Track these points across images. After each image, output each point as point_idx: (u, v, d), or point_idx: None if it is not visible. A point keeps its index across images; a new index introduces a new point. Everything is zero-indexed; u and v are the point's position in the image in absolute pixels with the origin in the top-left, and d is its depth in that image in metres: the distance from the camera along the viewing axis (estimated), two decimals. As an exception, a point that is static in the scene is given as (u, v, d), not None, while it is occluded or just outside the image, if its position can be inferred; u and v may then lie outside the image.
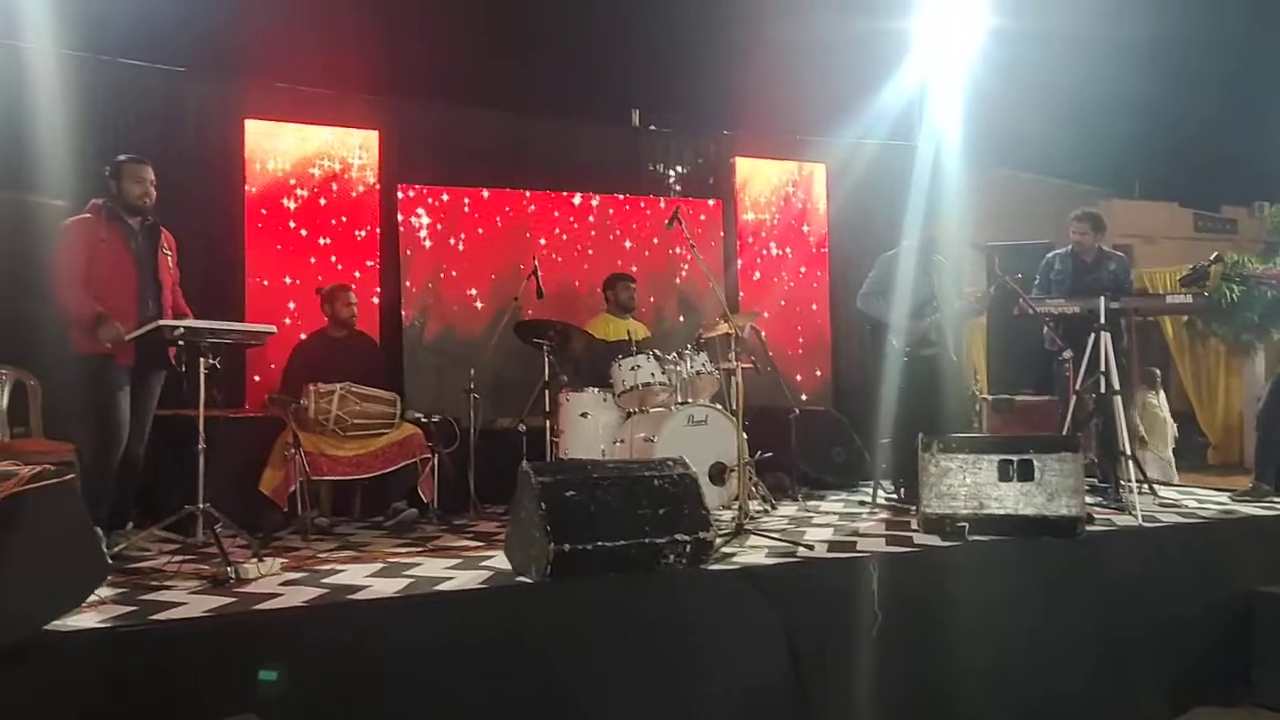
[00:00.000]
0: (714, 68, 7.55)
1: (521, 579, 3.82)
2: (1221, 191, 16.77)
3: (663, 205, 7.41)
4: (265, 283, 6.38)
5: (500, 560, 4.12)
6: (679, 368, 5.73)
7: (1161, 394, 9.46)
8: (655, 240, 7.43)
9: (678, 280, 7.56)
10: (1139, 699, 4.63)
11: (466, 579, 3.89)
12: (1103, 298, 5.46)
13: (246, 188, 6.43)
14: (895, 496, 5.90)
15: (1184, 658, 4.76)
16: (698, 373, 5.79)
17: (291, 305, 6.37)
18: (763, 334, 6.54)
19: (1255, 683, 4.79)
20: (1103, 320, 5.43)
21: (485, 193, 7.20)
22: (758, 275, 7.97)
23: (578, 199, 7.48)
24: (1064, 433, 5.54)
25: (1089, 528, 4.75)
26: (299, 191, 6.60)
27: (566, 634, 3.61)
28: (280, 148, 6.58)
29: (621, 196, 7.59)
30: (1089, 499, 5.20)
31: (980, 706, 4.25)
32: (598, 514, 3.79)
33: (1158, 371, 9.61)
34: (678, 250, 7.45)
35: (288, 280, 6.43)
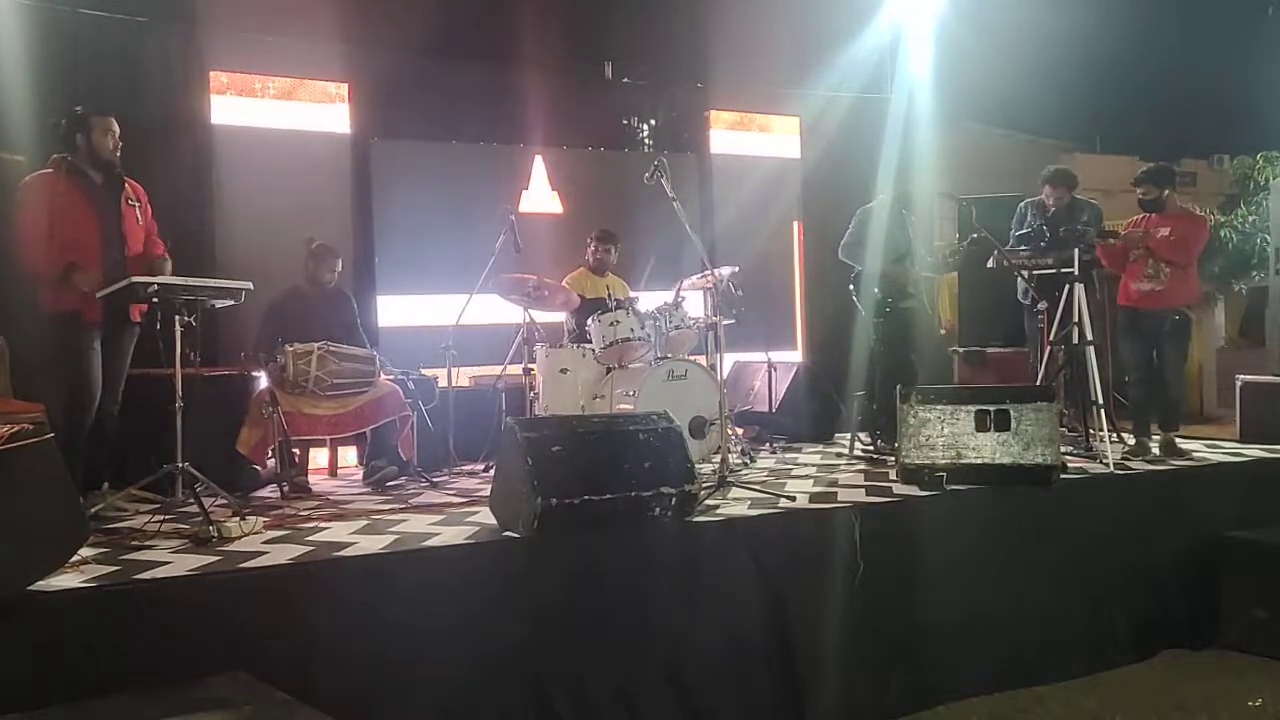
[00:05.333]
0: (687, 20, 7.48)
1: (508, 534, 3.82)
2: (1181, 145, 16.97)
3: (643, 169, 7.31)
4: (233, 239, 6.25)
5: (485, 516, 4.11)
6: (658, 322, 5.72)
7: None
8: (631, 193, 7.36)
9: (653, 235, 7.49)
10: (1109, 642, 4.75)
11: (453, 534, 3.87)
12: (1076, 250, 5.52)
13: (213, 141, 6.27)
14: (871, 447, 5.96)
15: (1153, 602, 4.90)
16: (676, 327, 5.79)
17: (262, 261, 6.24)
18: (737, 290, 6.51)
19: (1222, 626, 4.92)
20: (1076, 272, 5.49)
21: (458, 145, 7.09)
22: (731, 229, 7.93)
23: (550, 152, 7.40)
24: (1038, 383, 5.61)
25: (1062, 476, 4.83)
26: (268, 145, 6.45)
27: (555, 588, 3.64)
28: (247, 101, 6.42)
29: (594, 149, 7.52)
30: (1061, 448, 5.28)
31: (955, 651, 4.35)
32: (584, 468, 3.79)
33: None
34: (654, 203, 7.38)
35: (258, 236, 6.29)
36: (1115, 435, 5.79)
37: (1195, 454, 5.80)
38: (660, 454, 3.98)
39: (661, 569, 3.84)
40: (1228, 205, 14.11)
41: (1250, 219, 12.98)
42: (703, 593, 3.87)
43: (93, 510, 4.09)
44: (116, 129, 4.50)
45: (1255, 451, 5.88)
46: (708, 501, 4.30)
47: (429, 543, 3.74)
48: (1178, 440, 5.82)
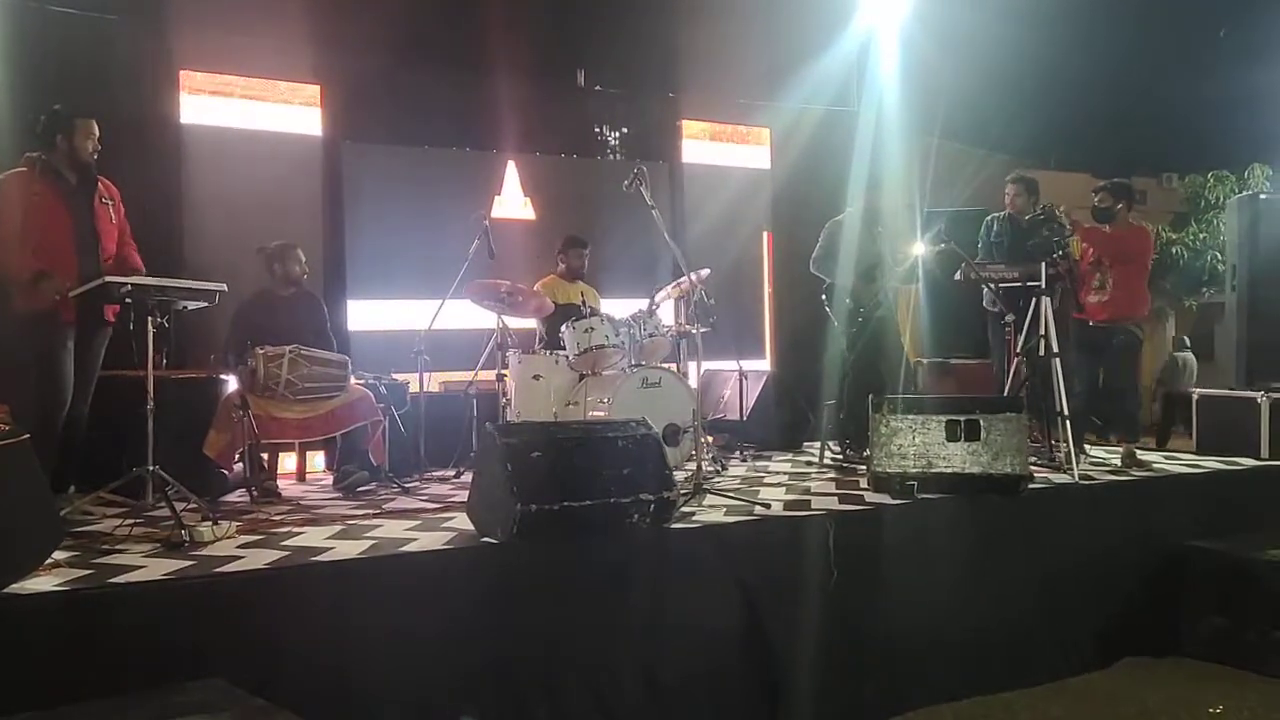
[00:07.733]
0: (660, 30, 7.52)
1: (487, 540, 3.80)
2: (1132, 163, 17.39)
3: (615, 176, 7.34)
4: (202, 240, 6.17)
5: (461, 521, 4.10)
6: (632, 330, 5.74)
7: None
8: (603, 200, 7.37)
9: (625, 242, 7.50)
10: (1074, 650, 4.84)
11: (430, 540, 3.85)
12: (1043, 263, 5.62)
13: (183, 141, 6.19)
14: (841, 456, 6.01)
15: (1116, 610, 4.98)
16: (650, 335, 5.81)
17: (231, 263, 6.16)
18: (710, 298, 6.55)
19: (1184, 634, 5.02)
20: (1043, 284, 5.59)
21: (431, 150, 7.08)
22: (702, 238, 7.97)
23: (523, 158, 7.39)
24: (1004, 394, 5.71)
25: (1029, 486, 4.91)
26: (238, 146, 6.38)
27: (534, 593, 3.63)
28: (218, 101, 6.35)
29: (566, 156, 7.53)
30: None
31: (925, 658, 4.40)
32: (563, 475, 3.79)
33: None
34: (626, 211, 7.39)
35: (227, 237, 6.21)
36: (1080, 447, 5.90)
37: (1155, 465, 5.93)
38: (639, 461, 4.00)
39: (639, 575, 3.84)
40: (1178, 223, 14.48)
41: (1201, 236, 13.31)
42: (680, 599, 3.88)
43: (61, 514, 4.01)
44: (97, 131, 4.45)
45: (1212, 463, 6.02)
46: (684, 509, 4.31)
47: (406, 548, 3.72)
48: (1138, 451, 5.95)
